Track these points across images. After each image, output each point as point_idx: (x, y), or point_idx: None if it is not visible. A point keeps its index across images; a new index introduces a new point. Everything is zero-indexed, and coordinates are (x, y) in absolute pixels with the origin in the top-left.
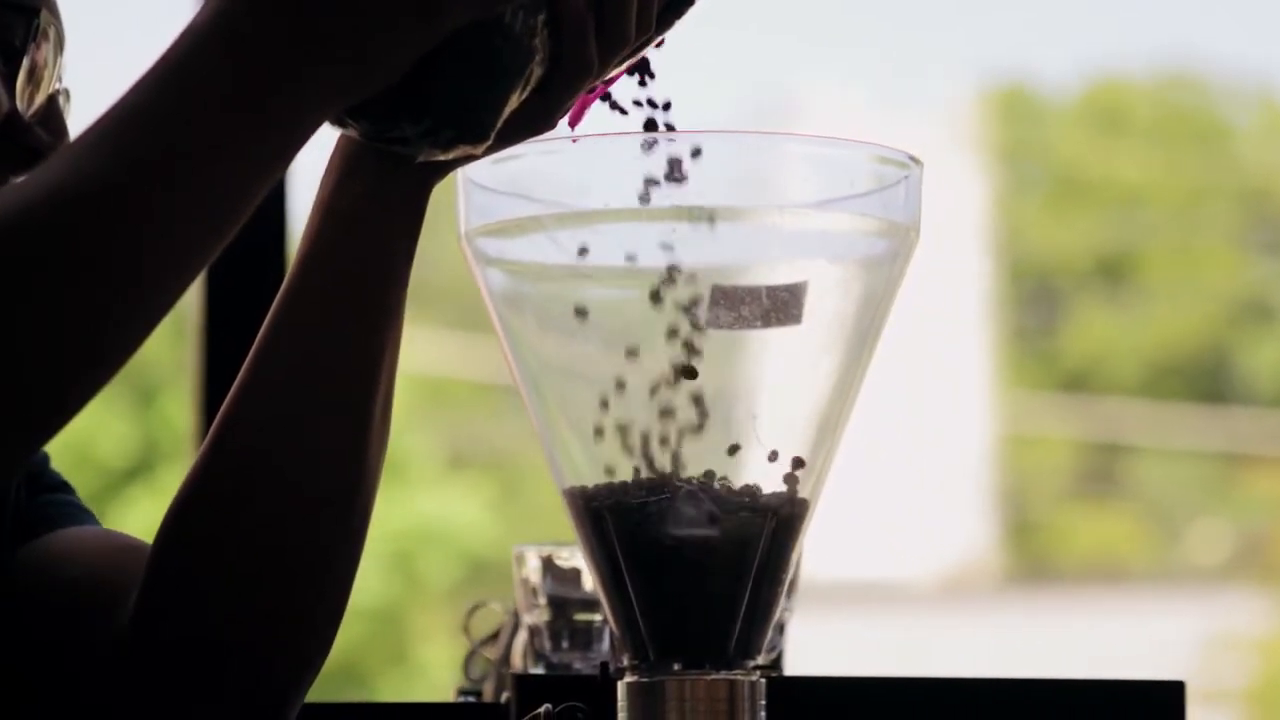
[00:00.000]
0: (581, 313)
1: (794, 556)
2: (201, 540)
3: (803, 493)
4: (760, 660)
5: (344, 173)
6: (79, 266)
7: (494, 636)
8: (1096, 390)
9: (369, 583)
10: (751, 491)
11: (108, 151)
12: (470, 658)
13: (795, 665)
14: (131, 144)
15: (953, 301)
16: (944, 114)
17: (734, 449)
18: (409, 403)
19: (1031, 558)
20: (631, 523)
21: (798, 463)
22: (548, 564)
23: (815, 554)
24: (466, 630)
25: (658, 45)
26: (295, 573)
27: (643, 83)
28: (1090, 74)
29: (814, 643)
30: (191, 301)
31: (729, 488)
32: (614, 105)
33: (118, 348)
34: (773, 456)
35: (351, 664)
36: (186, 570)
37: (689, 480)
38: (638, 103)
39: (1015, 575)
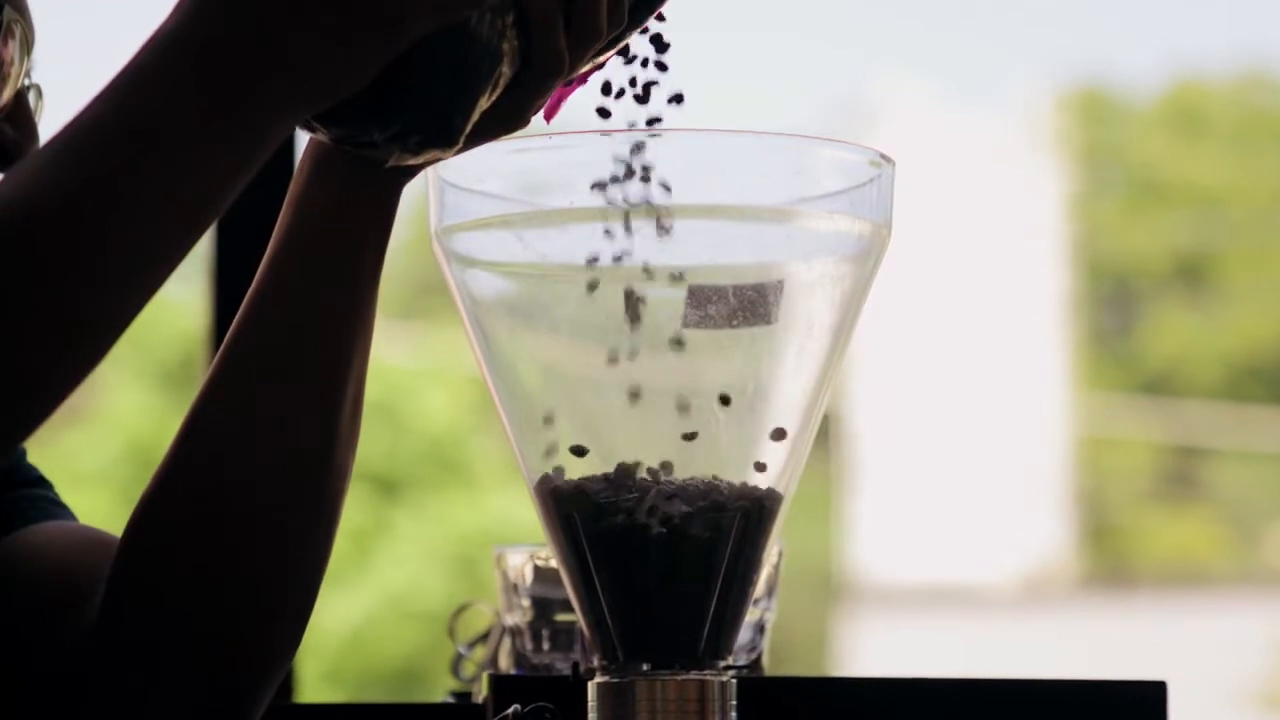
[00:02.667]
0: (549, 310)
1: (764, 556)
2: (167, 537)
3: (772, 491)
4: (741, 661)
5: (314, 173)
6: (39, 279)
7: (484, 638)
8: (1175, 393)
9: (433, 585)
10: (720, 489)
11: (68, 163)
12: (458, 660)
13: (868, 668)
14: (92, 155)
15: (1031, 304)
16: (1022, 115)
17: (697, 442)
18: (476, 405)
19: (1109, 561)
20: (599, 521)
21: (759, 467)
22: (530, 564)
23: (893, 557)
24: (451, 632)
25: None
26: (261, 571)
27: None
28: (1170, 75)
29: (889, 646)
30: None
31: (697, 486)
32: (603, 113)
33: (82, 356)
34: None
35: (415, 667)
36: (152, 566)
37: (656, 478)
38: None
39: (1093, 578)
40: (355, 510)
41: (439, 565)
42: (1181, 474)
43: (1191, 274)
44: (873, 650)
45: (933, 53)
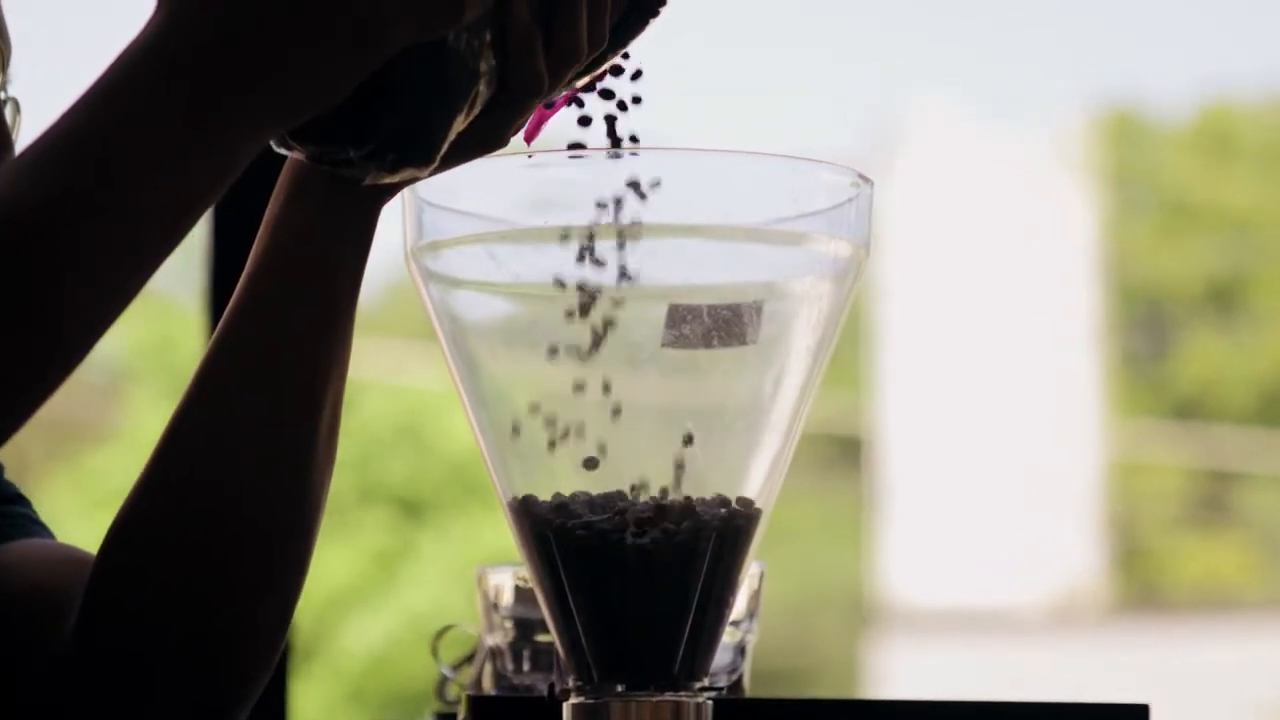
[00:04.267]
0: (525, 329)
1: (741, 576)
2: (144, 553)
3: (750, 510)
4: (721, 682)
5: (292, 191)
6: (11, 288)
7: (470, 659)
8: (1207, 417)
9: (457, 607)
10: (696, 509)
11: (41, 173)
12: (443, 682)
13: (898, 691)
14: (65, 164)
15: (1062, 327)
16: (1054, 138)
17: (675, 461)
18: None
19: (1140, 585)
20: (572, 541)
21: (738, 489)
22: (511, 584)
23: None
24: (435, 653)
25: (623, 60)
26: (236, 593)
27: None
28: (1201, 98)
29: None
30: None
31: (673, 505)
32: (582, 121)
33: (55, 365)
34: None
35: None
36: (128, 582)
37: (632, 498)
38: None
39: (1124, 602)
40: (379, 532)
41: (463, 586)
42: (1212, 498)
43: (1223, 298)
44: (904, 674)
45: (965, 75)
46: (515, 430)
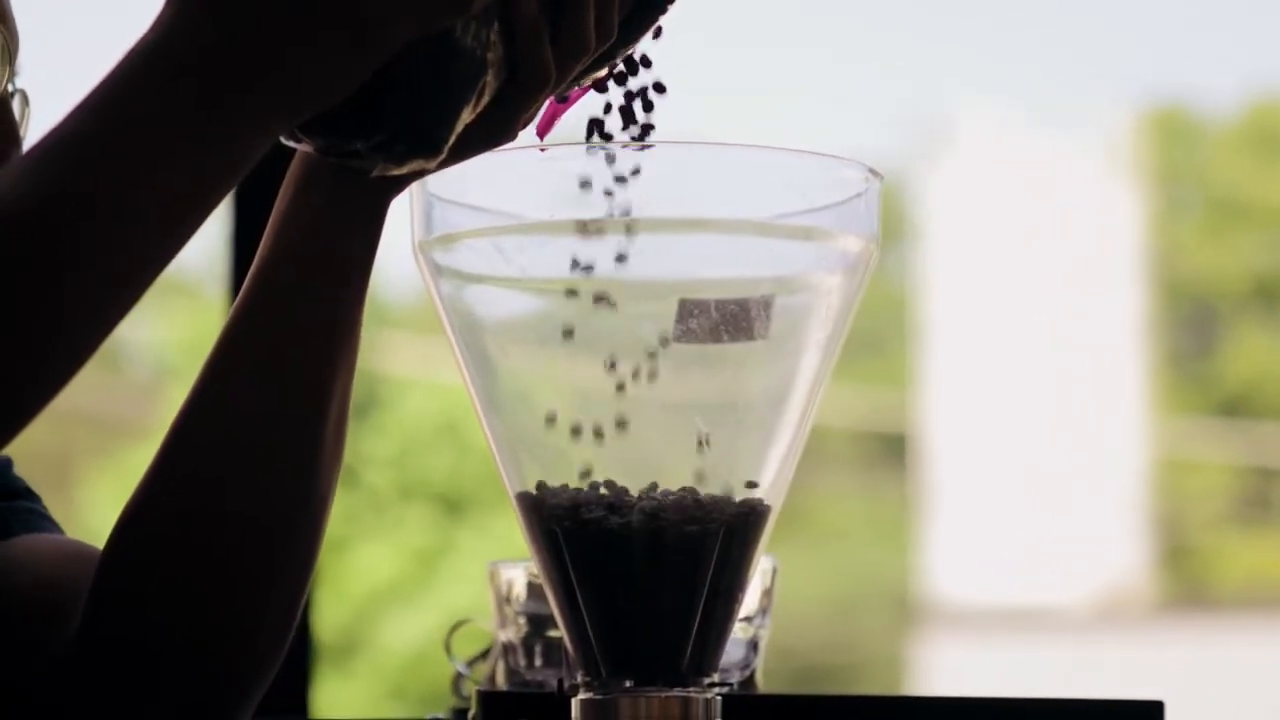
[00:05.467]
0: (533, 323)
1: (750, 571)
2: (150, 548)
3: (758, 505)
4: (734, 679)
5: (300, 185)
6: (15, 288)
7: (485, 655)
8: (1253, 414)
9: None
10: (704, 503)
11: (46, 172)
12: (458, 678)
13: (943, 689)
14: (70, 164)
15: (1108, 325)
16: (1100, 136)
17: (684, 456)
18: None
19: (1187, 583)
20: (581, 536)
21: (748, 482)
22: (523, 579)
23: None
24: (448, 649)
25: (638, 59)
26: (241, 587)
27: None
28: (1248, 96)
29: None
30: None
31: (681, 500)
32: (604, 135)
33: (58, 367)
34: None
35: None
36: (132, 580)
37: (640, 492)
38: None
39: (1170, 600)
40: (419, 529)
41: None
42: (1259, 496)
43: (1270, 295)
44: (949, 671)
45: (1011, 75)
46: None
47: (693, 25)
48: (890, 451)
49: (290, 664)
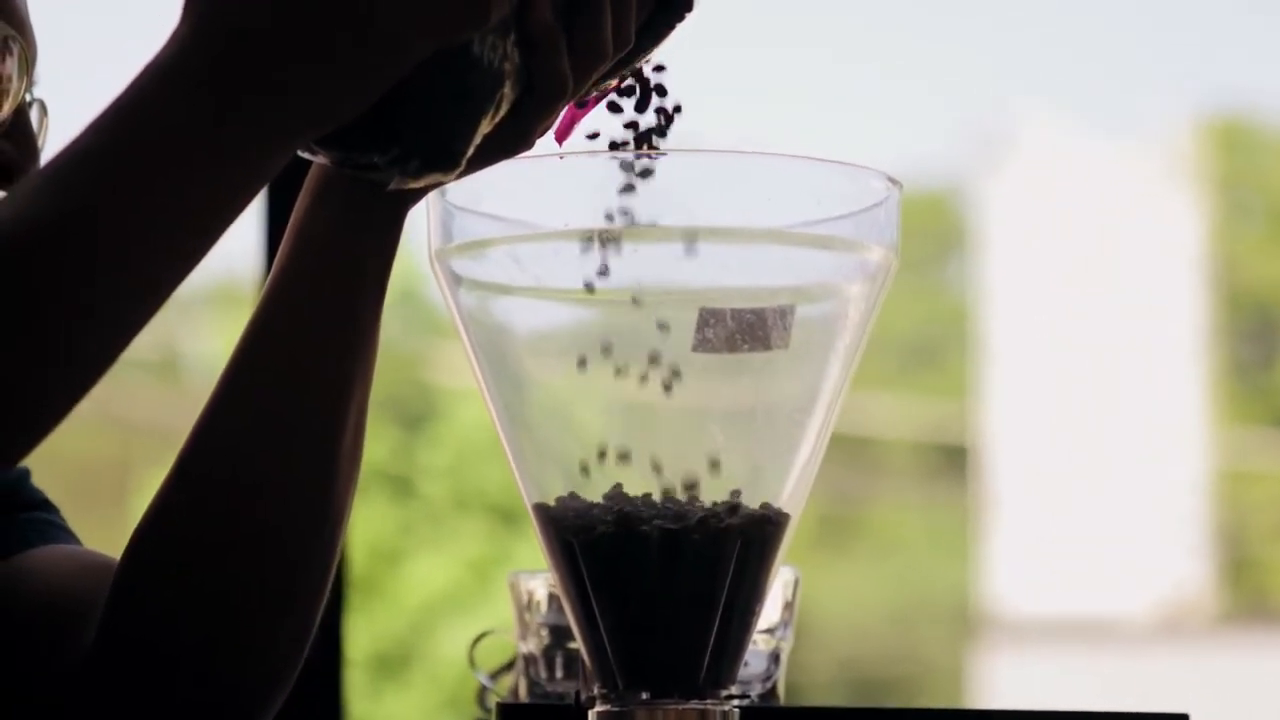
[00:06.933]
0: (550, 332)
1: (768, 582)
2: (165, 559)
3: (776, 515)
4: (756, 691)
5: (316, 197)
6: (28, 305)
7: (510, 666)
8: None
9: None
10: (721, 513)
11: (60, 190)
12: (482, 691)
13: (1001, 700)
14: (85, 182)
15: (1169, 335)
16: (1160, 144)
17: (701, 465)
18: None
19: (1248, 595)
20: (597, 546)
21: (773, 497)
22: (544, 591)
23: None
24: (471, 661)
25: (656, 69)
26: (258, 596)
27: (642, 106)
28: None
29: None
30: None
31: (698, 509)
32: (614, 144)
33: (70, 385)
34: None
35: None
36: (148, 591)
37: (657, 502)
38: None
39: (1231, 612)
40: (475, 540)
41: None
42: None
43: None
44: (1009, 683)
45: (1071, 83)
46: (548, 443)
47: (754, 37)
48: (950, 463)
49: (323, 676)
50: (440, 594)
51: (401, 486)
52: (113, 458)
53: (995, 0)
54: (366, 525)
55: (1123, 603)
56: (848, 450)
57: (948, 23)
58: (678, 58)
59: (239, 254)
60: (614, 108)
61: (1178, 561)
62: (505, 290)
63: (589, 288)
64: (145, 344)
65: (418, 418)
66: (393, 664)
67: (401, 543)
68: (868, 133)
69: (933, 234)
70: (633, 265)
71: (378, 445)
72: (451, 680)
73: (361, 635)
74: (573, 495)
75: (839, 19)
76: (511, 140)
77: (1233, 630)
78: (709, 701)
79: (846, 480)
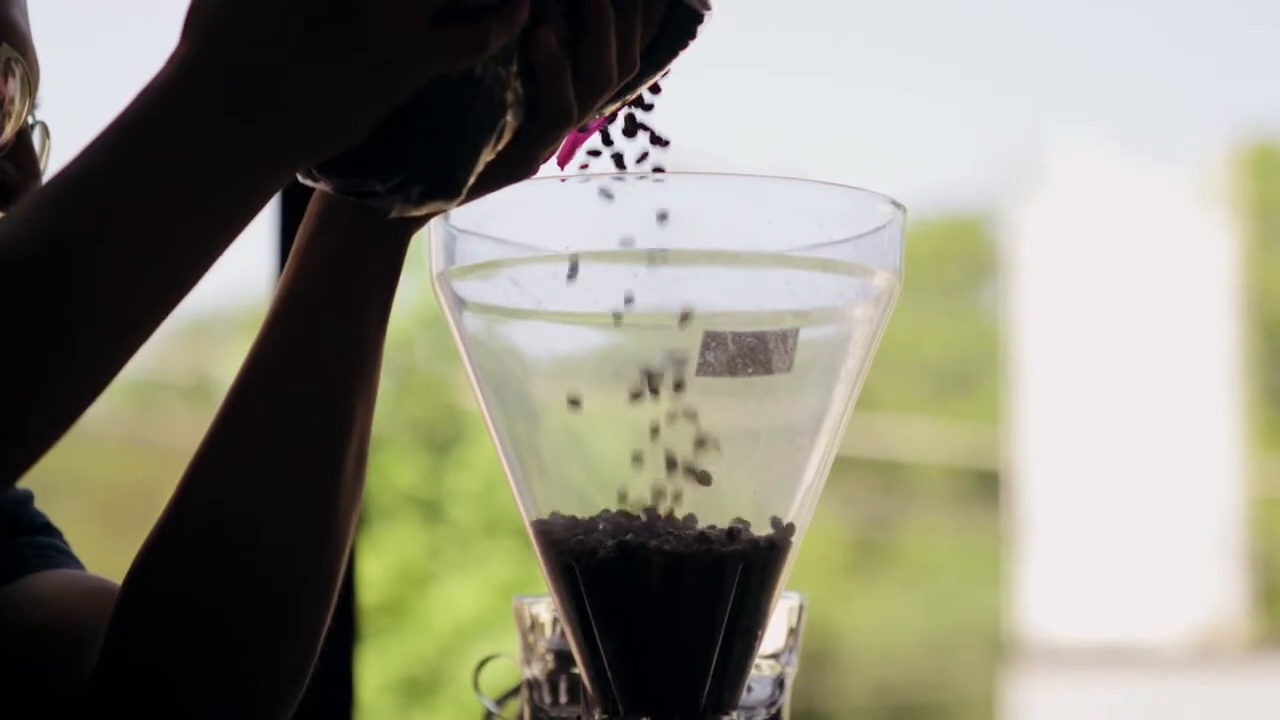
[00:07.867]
0: (553, 354)
1: (770, 606)
2: (168, 583)
3: (778, 538)
4: (760, 717)
5: (319, 223)
6: (24, 326)
7: (516, 691)
8: None
9: None
10: (722, 537)
11: (57, 211)
12: (487, 717)
13: None
14: (80, 204)
15: (1202, 360)
16: (1194, 170)
17: (702, 489)
18: None
19: None
20: (597, 570)
21: (776, 522)
22: (549, 615)
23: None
24: (475, 685)
25: (654, 91)
26: (260, 622)
27: (629, 132)
28: None
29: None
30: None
31: (699, 532)
32: (618, 162)
33: (63, 407)
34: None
35: None
36: (150, 616)
37: (658, 524)
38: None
39: (1265, 639)
40: (504, 564)
41: None
42: None
43: None
44: (1043, 709)
45: (1104, 110)
46: (549, 465)
47: (792, 64)
48: (984, 488)
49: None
50: (468, 618)
51: (430, 511)
52: (145, 481)
53: (1031, 29)
54: (395, 549)
55: (1156, 628)
56: (881, 475)
57: (984, 51)
58: (715, 83)
59: (269, 280)
60: (606, 139)
61: (1211, 587)
62: (509, 313)
63: (617, 317)
64: (177, 368)
65: (447, 442)
66: (420, 688)
67: (430, 566)
68: (903, 159)
69: (967, 259)
70: (636, 288)
71: (406, 469)
72: (478, 704)
73: (390, 659)
74: (573, 519)
75: (875, 47)
76: (515, 167)
77: (1267, 656)
78: None
79: (879, 505)
